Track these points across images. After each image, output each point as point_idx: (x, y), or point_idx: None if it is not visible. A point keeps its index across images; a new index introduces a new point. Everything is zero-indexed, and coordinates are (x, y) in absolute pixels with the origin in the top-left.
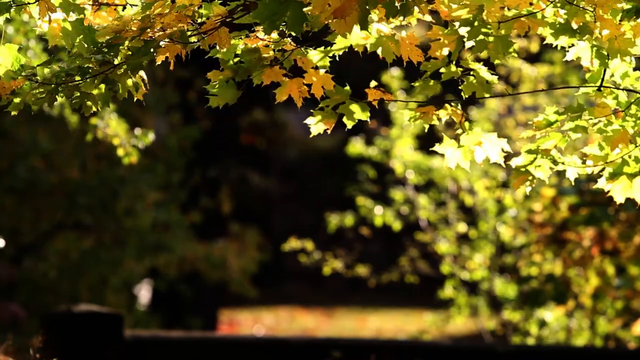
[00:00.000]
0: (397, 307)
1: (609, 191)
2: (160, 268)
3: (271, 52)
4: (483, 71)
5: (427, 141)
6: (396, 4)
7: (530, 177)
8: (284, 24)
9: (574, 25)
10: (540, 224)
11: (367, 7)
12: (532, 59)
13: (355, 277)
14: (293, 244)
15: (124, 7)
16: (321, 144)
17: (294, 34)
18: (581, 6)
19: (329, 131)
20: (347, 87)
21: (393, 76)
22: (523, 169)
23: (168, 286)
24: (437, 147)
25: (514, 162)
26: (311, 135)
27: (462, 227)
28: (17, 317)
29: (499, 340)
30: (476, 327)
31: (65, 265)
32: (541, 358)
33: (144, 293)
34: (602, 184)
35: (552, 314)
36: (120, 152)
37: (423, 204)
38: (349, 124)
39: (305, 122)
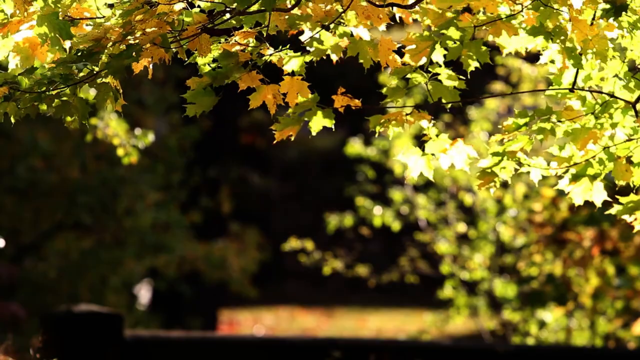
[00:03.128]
0: (397, 307)
1: (568, 193)
2: (160, 268)
3: (248, 55)
4: (449, 77)
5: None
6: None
7: (496, 179)
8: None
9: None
10: (540, 224)
11: None
12: (532, 59)
13: (355, 277)
14: (293, 244)
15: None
16: (321, 144)
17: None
18: (555, 8)
19: (292, 138)
20: (315, 94)
21: (390, 76)
22: (489, 171)
23: (168, 286)
24: (400, 156)
25: (480, 164)
26: (310, 136)
27: (461, 227)
28: (17, 317)
29: (499, 340)
30: (476, 327)
31: (65, 265)
32: (541, 358)
33: (144, 293)
34: (563, 185)
35: (552, 314)
36: (120, 152)
37: (422, 204)
38: (314, 131)
39: (271, 127)
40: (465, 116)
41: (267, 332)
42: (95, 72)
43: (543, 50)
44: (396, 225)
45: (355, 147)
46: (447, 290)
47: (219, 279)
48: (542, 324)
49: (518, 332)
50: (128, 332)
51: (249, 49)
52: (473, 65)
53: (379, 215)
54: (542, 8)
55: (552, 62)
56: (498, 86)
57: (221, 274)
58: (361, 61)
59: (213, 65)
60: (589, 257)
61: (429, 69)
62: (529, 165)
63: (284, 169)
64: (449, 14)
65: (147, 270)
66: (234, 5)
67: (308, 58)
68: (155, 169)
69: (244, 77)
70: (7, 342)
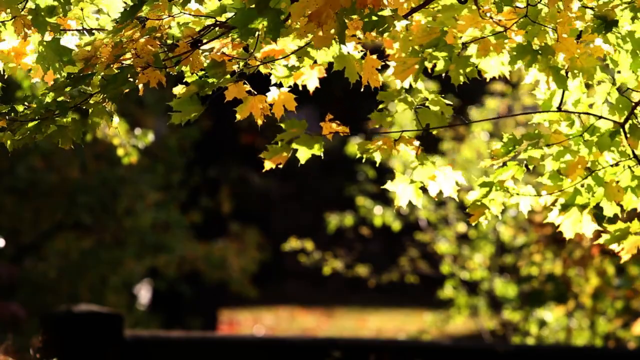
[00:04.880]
0: (397, 307)
1: (559, 225)
2: (160, 268)
3: (235, 67)
4: (438, 102)
5: (426, 140)
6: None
7: (486, 211)
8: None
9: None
10: (540, 223)
11: (345, 19)
12: None
13: (355, 277)
14: (293, 244)
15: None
16: None
17: (271, 41)
18: (543, 25)
19: (281, 165)
20: (304, 121)
21: (378, 98)
22: (479, 203)
23: (168, 286)
24: (388, 185)
25: (470, 196)
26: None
27: (461, 227)
28: (17, 317)
29: (499, 340)
30: (476, 327)
31: (65, 265)
32: (541, 358)
33: (144, 293)
34: (552, 217)
35: (552, 314)
36: (120, 152)
37: (423, 204)
38: (302, 160)
39: (260, 156)
40: (466, 116)
41: (267, 332)
42: (90, 95)
43: (528, 70)
44: (396, 225)
45: (355, 146)
46: (447, 290)
47: (219, 279)
48: (542, 324)
49: (518, 332)
50: (128, 332)
51: (237, 59)
52: (461, 79)
53: (379, 215)
54: (529, 27)
55: (541, 89)
56: (498, 86)
57: (221, 274)
58: (347, 76)
59: (200, 73)
60: (589, 256)
61: (420, 93)
62: (518, 194)
63: (284, 169)
64: (436, 33)
65: (147, 270)
66: (223, 18)
67: (297, 70)
68: (155, 169)
69: (230, 88)
70: (7, 342)
